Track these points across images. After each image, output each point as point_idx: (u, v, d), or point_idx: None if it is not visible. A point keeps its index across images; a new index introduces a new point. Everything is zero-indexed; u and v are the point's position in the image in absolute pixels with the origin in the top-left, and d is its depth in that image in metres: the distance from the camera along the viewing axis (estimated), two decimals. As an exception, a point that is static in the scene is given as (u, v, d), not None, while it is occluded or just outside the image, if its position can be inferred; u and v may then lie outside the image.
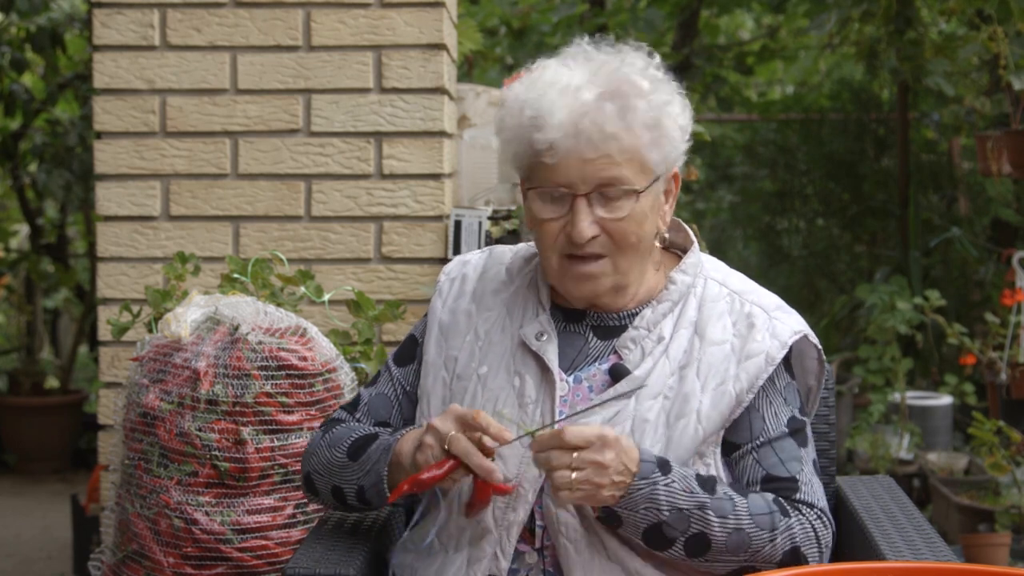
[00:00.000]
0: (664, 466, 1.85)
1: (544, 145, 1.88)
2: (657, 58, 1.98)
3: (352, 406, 2.14)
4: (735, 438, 1.96)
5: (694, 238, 2.08)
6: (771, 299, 2.03)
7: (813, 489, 1.95)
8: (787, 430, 1.96)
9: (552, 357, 1.97)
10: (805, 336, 2.00)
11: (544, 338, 1.99)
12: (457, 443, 1.85)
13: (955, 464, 5.13)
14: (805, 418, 2.02)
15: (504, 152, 1.97)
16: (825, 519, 1.94)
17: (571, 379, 1.98)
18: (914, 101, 6.68)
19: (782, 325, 1.97)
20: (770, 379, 1.97)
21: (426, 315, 2.14)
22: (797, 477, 1.94)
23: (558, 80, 1.90)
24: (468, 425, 1.86)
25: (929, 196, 6.75)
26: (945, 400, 5.57)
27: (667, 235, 2.03)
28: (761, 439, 1.95)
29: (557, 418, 1.94)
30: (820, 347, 2.03)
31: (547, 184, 1.91)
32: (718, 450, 1.94)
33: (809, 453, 1.99)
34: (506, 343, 2.02)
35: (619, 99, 1.88)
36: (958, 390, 5.57)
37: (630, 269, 1.96)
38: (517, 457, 1.94)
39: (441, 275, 2.14)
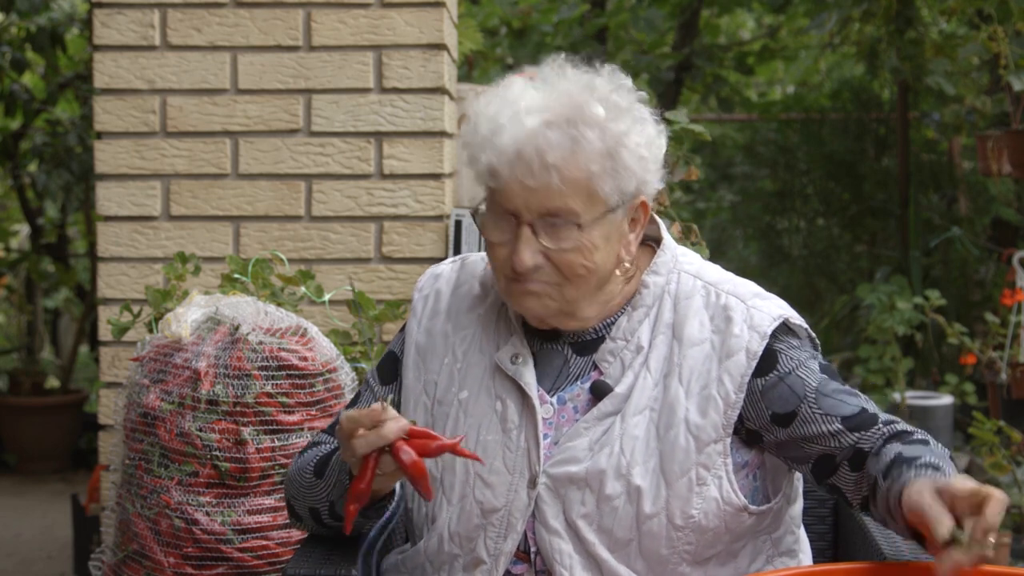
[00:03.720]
0: (943, 466, 1.75)
1: (487, 168, 1.84)
2: (629, 83, 1.90)
3: (332, 429, 2.08)
4: (782, 408, 1.87)
5: (664, 232, 2.01)
6: (747, 287, 1.95)
7: (879, 409, 1.89)
8: (824, 376, 1.89)
9: (529, 380, 1.92)
10: (787, 320, 1.92)
11: (519, 360, 1.93)
12: (357, 446, 1.76)
13: (955, 464, 5.12)
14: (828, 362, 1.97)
15: (470, 167, 1.92)
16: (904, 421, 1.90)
17: (555, 400, 1.93)
18: (914, 101, 6.68)
19: (760, 314, 1.90)
20: (782, 344, 1.90)
21: (403, 331, 2.09)
22: (866, 407, 1.87)
23: (515, 100, 1.85)
24: (351, 431, 1.78)
25: (929, 196, 6.75)
26: (945, 400, 5.57)
27: (627, 264, 1.94)
28: (811, 394, 1.87)
29: (542, 441, 1.89)
30: (806, 326, 1.95)
31: (494, 207, 1.87)
32: (729, 460, 1.87)
33: (849, 387, 1.93)
34: (484, 364, 1.96)
35: (567, 127, 1.81)
36: (958, 390, 5.57)
37: (579, 300, 1.89)
38: (505, 485, 1.90)
39: (415, 292, 2.08)
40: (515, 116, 1.82)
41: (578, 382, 1.93)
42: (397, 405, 2.03)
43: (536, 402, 1.91)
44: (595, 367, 1.93)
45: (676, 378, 1.88)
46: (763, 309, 1.91)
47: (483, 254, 2.07)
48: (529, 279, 1.86)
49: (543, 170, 1.80)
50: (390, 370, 2.08)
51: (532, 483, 1.89)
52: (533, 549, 1.90)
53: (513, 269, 1.86)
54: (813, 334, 1.98)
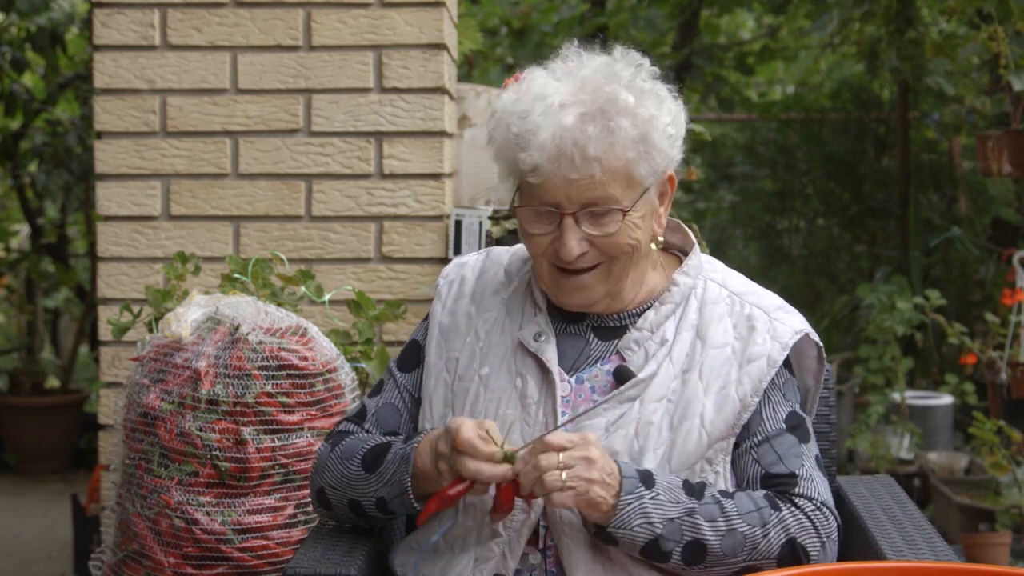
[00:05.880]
0: (647, 480, 1.85)
1: (528, 166, 1.89)
2: (647, 64, 1.96)
3: (359, 417, 2.12)
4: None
5: (695, 239, 2.08)
6: (771, 300, 2.03)
7: (814, 483, 1.95)
8: (785, 427, 1.97)
9: (551, 357, 1.98)
10: (806, 335, 2.00)
11: (542, 338, 1.99)
12: (463, 466, 1.85)
13: (955, 464, 5.13)
14: (805, 414, 2.02)
15: (496, 163, 1.99)
16: (825, 510, 1.94)
17: (573, 380, 1.98)
18: (914, 101, 6.68)
19: (783, 326, 1.98)
20: (772, 379, 1.97)
21: (426, 319, 2.15)
22: (796, 472, 1.94)
23: (544, 95, 1.89)
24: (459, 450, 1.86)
25: (929, 196, 6.75)
26: (945, 400, 5.57)
27: (663, 237, 2.02)
28: (759, 436, 1.95)
29: (560, 418, 1.95)
30: (821, 345, 2.03)
31: (534, 202, 1.92)
32: (728, 458, 1.93)
33: (811, 448, 1.99)
34: (506, 344, 2.02)
35: (602, 119, 1.87)
36: (958, 390, 5.57)
37: (624, 275, 1.97)
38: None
39: (440, 279, 2.14)
40: (549, 112, 1.87)
41: (598, 364, 1.99)
42: (414, 385, 2.10)
43: (556, 377, 1.96)
44: (617, 353, 1.99)
45: (696, 374, 1.94)
46: (785, 322, 1.99)
47: (507, 247, 2.15)
48: (576, 269, 1.93)
49: (585, 164, 1.86)
50: (411, 359, 2.13)
51: None
52: (543, 524, 1.94)
53: (560, 258, 1.92)
54: (824, 353, 2.05)
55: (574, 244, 1.90)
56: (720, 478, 1.92)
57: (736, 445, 1.95)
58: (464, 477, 1.85)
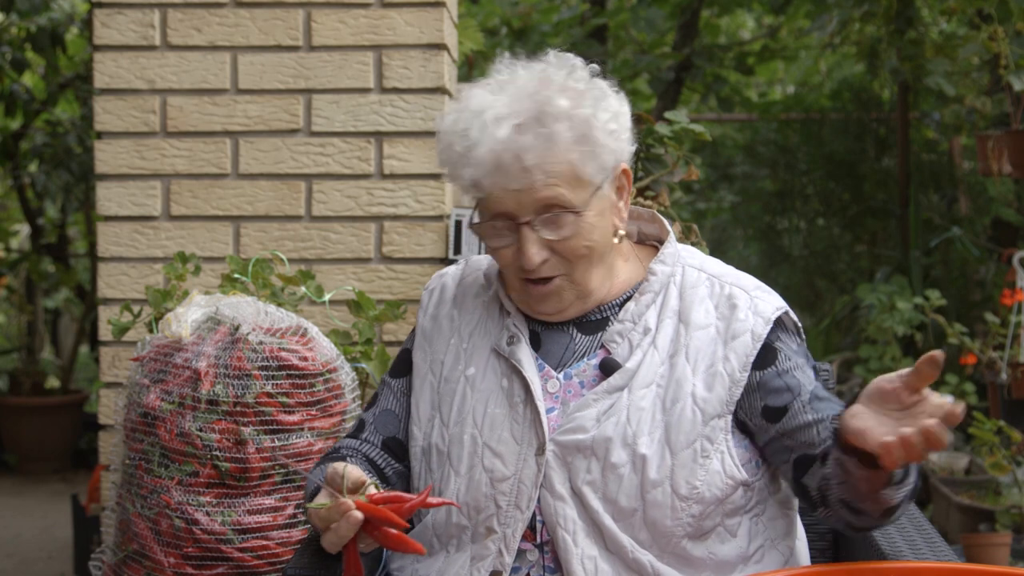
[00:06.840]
0: None
1: (468, 182, 1.93)
2: (579, 63, 1.98)
3: (357, 431, 2.15)
4: (775, 401, 1.93)
5: (669, 228, 2.09)
6: (750, 280, 2.04)
7: None
8: (818, 384, 1.96)
9: (521, 358, 1.99)
10: (786, 313, 2.01)
11: (514, 341, 2.01)
12: (329, 540, 1.81)
13: (956, 464, 5.13)
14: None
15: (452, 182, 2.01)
16: None
17: (561, 376, 2.00)
18: (915, 101, 6.68)
19: (764, 303, 1.98)
20: (783, 344, 1.97)
21: (414, 329, 2.17)
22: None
23: (480, 110, 1.92)
24: (324, 527, 1.83)
25: (929, 196, 6.75)
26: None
27: (622, 231, 2.02)
28: (805, 394, 1.92)
29: (543, 416, 1.95)
30: (800, 325, 2.04)
31: (489, 216, 1.95)
32: (730, 437, 1.93)
33: (834, 395, 1.99)
34: (489, 344, 2.05)
35: (537, 126, 1.89)
36: (958, 390, 5.57)
37: (588, 277, 1.98)
38: (514, 454, 1.95)
39: (423, 291, 2.17)
40: (484, 128, 1.90)
41: (584, 359, 2.00)
42: (408, 390, 2.12)
43: (528, 377, 1.97)
44: (602, 347, 2.00)
45: (683, 357, 1.96)
46: (766, 300, 2.00)
47: (486, 255, 2.15)
48: (542, 278, 1.95)
49: (524, 173, 1.89)
50: (402, 365, 2.16)
51: (540, 450, 1.95)
52: (539, 519, 1.95)
53: (523, 268, 1.94)
54: (803, 334, 2.06)
55: (534, 252, 1.92)
56: (726, 456, 1.92)
57: (783, 410, 1.91)
58: (347, 550, 1.82)
